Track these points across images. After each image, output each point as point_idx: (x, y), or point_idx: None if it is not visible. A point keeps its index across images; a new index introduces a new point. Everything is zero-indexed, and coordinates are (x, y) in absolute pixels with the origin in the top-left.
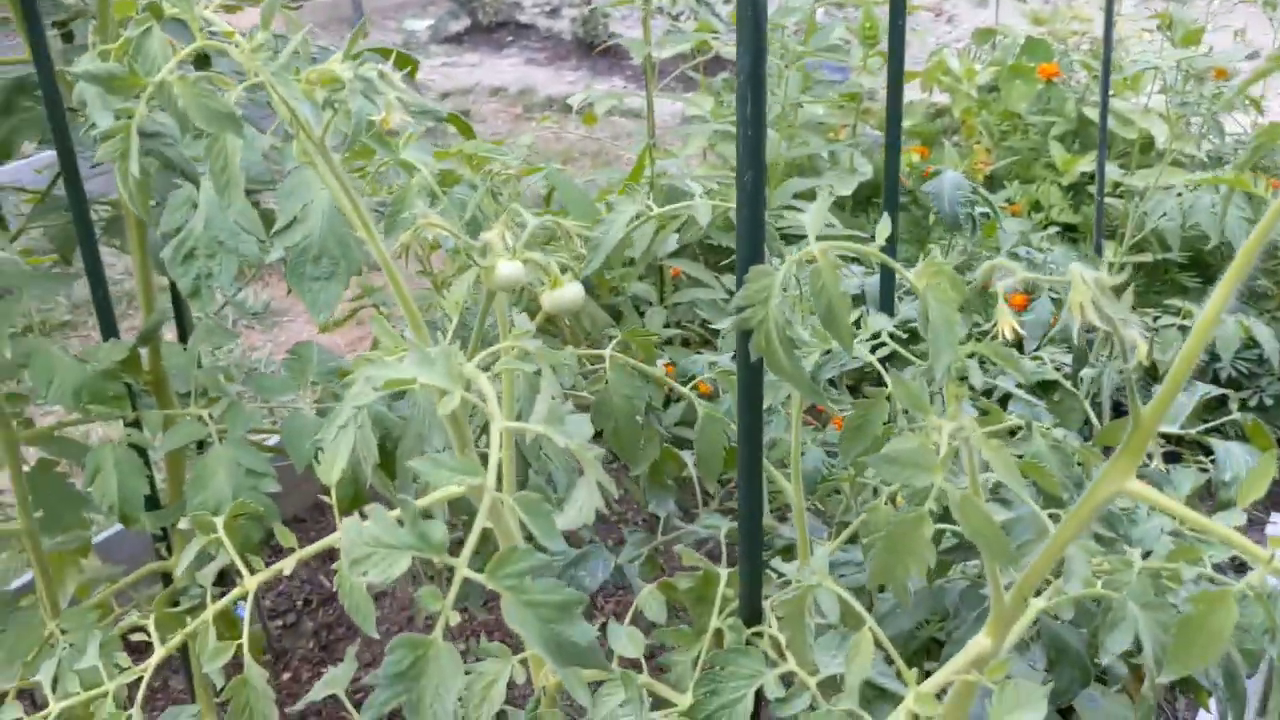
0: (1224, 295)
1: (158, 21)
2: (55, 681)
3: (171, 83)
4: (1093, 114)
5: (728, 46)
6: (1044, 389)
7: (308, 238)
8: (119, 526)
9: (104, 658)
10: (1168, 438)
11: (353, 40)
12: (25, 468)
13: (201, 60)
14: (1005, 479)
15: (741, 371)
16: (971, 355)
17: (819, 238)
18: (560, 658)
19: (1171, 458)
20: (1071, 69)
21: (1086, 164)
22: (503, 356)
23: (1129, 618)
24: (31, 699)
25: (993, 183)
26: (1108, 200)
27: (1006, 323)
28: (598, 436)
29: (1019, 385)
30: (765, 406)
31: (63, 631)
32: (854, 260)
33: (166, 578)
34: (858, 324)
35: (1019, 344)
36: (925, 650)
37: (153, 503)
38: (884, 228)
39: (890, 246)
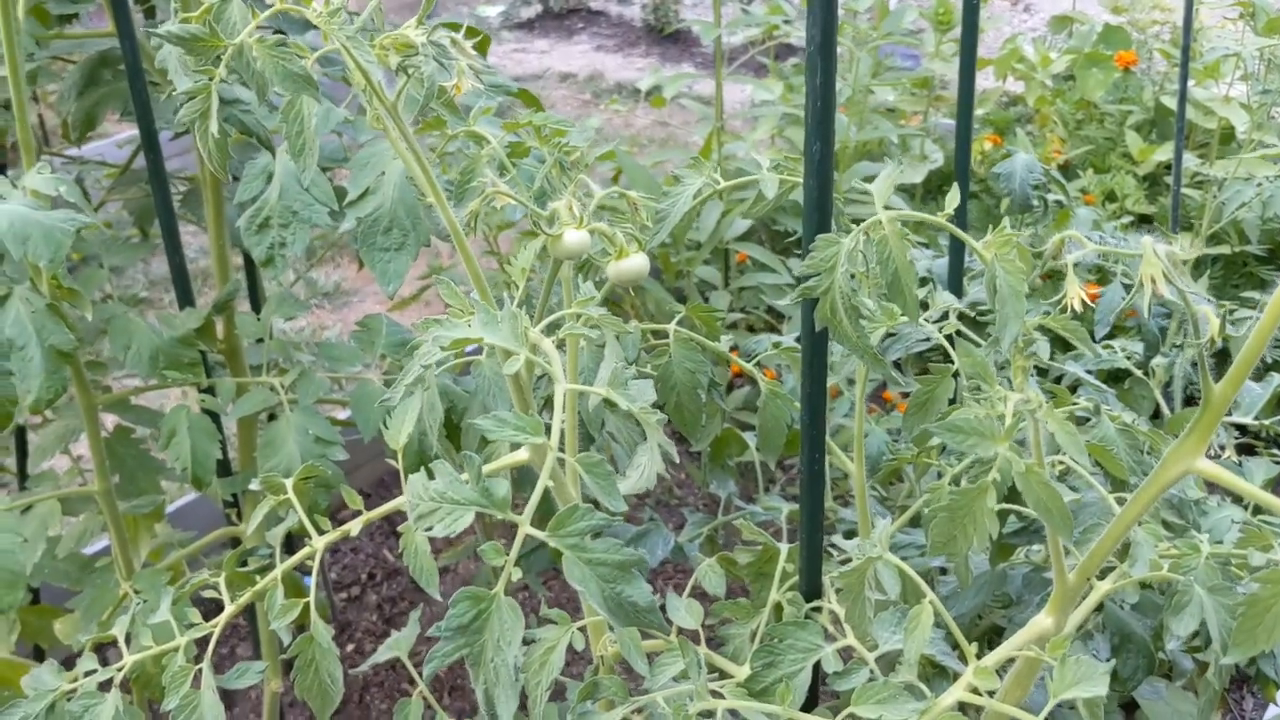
0: None
1: None
2: (129, 638)
3: (251, 44)
4: (1171, 103)
5: (798, 32)
6: (1114, 378)
7: (380, 208)
8: (190, 497)
9: (175, 614)
10: (1242, 429)
11: (425, 6)
12: (103, 434)
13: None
14: (1070, 453)
15: (805, 341)
16: (1039, 329)
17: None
18: (620, 617)
19: (1246, 450)
20: (1150, 57)
21: (1163, 154)
22: (567, 323)
23: (1195, 601)
24: (105, 660)
25: (1067, 172)
26: (1185, 191)
27: (1075, 292)
28: (659, 410)
29: (1089, 372)
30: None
31: (136, 591)
32: (923, 244)
33: (236, 543)
34: (925, 305)
35: (1090, 330)
36: (986, 636)
37: (224, 469)
38: (953, 197)
39: (960, 222)
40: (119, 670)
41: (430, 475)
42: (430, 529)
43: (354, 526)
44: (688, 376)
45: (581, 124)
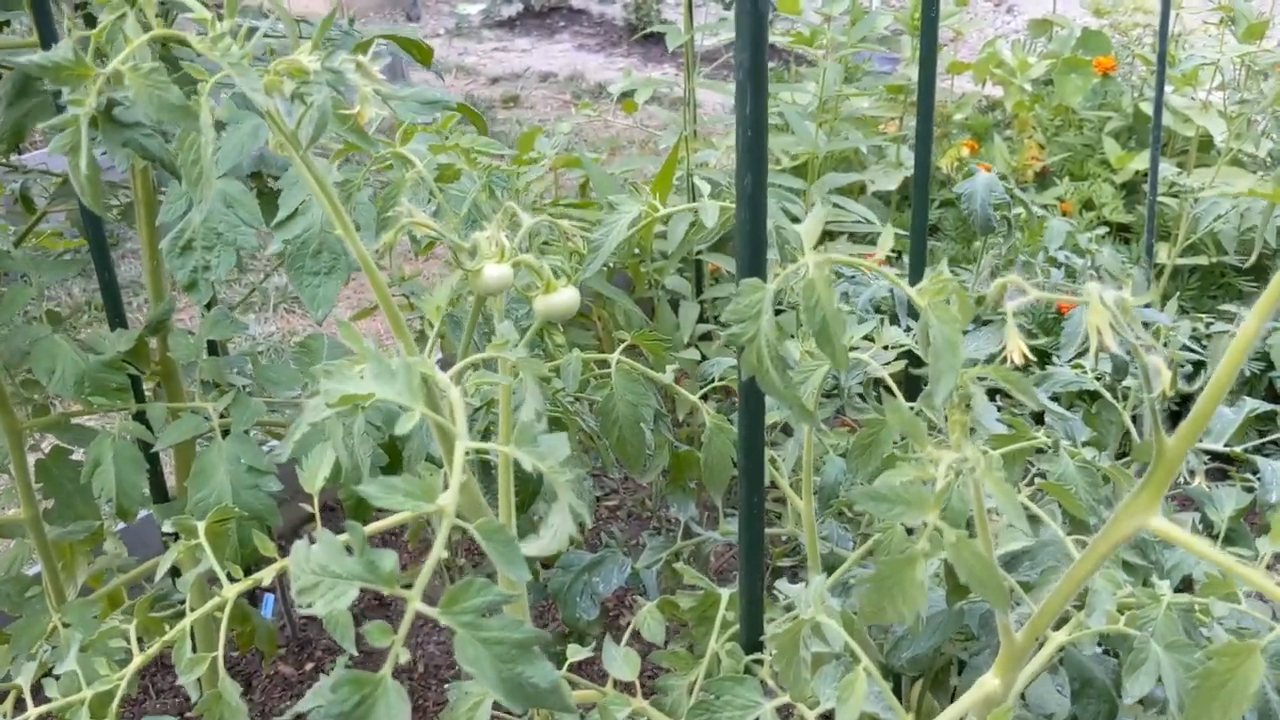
0: (1264, 312)
1: (131, 8)
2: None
3: (124, 72)
4: (1150, 109)
5: (776, 35)
6: (1085, 399)
7: (309, 230)
8: (146, 513)
9: (84, 661)
10: (1214, 455)
11: (321, 28)
12: (41, 456)
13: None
14: (1009, 515)
15: (742, 388)
16: (981, 379)
17: (818, 243)
18: (519, 699)
19: (1219, 475)
20: (1130, 63)
21: (1141, 162)
22: (499, 366)
23: (1151, 659)
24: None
25: (1044, 180)
26: (1162, 200)
27: (1015, 345)
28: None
29: (1054, 396)
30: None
31: (65, 624)
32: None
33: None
34: (870, 339)
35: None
36: (947, 670)
37: (161, 495)
38: (885, 240)
39: (920, 246)
40: None
41: (312, 541)
42: (312, 604)
43: (266, 575)
44: (629, 410)
45: (553, 127)
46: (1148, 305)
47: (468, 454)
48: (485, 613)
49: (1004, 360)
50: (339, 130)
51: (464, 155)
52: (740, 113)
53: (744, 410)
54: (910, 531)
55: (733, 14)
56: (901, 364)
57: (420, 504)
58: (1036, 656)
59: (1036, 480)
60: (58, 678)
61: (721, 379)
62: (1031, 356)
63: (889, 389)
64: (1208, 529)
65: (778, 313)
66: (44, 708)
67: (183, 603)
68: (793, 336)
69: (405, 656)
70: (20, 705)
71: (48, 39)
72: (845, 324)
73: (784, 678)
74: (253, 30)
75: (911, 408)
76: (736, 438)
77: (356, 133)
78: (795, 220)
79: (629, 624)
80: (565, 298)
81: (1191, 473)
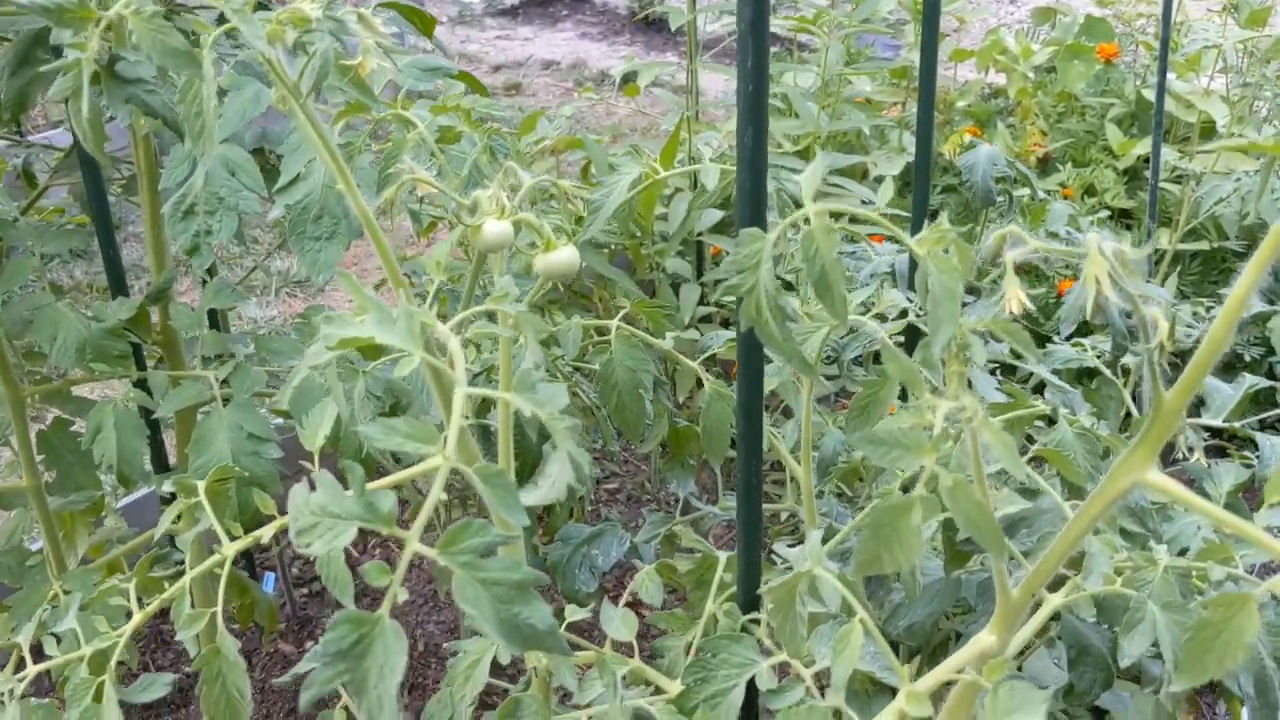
0: (1251, 279)
1: None
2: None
3: (127, 16)
4: (1152, 96)
5: (777, 20)
6: (1085, 376)
7: (310, 195)
8: (146, 490)
9: (83, 620)
10: (1214, 431)
11: None
12: (43, 426)
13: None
14: (1005, 463)
15: (741, 346)
16: (978, 331)
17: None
18: (517, 641)
19: (1218, 452)
20: (1134, 50)
21: (1143, 148)
22: (499, 320)
23: (1148, 619)
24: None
25: (1046, 166)
26: (1164, 185)
27: (1013, 294)
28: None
29: (1056, 371)
30: (774, 386)
31: (66, 591)
32: (891, 239)
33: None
34: (867, 306)
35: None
36: (946, 645)
37: (162, 464)
38: (886, 191)
39: (920, 215)
40: (20, 680)
41: (312, 486)
42: (310, 545)
43: (266, 533)
44: (629, 375)
45: (555, 112)
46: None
47: (466, 416)
48: (485, 553)
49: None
50: (341, 84)
51: (464, 116)
52: (742, 67)
53: (743, 368)
54: (907, 491)
55: (734, 2)
56: (900, 337)
57: (420, 445)
58: (1034, 618)
59: (1035, 448)
60: (57, 639)
61: (717, 351)
62: (1031, 306)
63: (890, 352)
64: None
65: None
66: (44, 665)
67: (181, 563)
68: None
69: (404, 595)
70: (21, 666)
71: None
72: (844, 274)
73: (780, 633)
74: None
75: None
76: (735, 404)
77: (359, 86)
78: (795, 201)
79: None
80: (565, 255)
81: (1190, 449)
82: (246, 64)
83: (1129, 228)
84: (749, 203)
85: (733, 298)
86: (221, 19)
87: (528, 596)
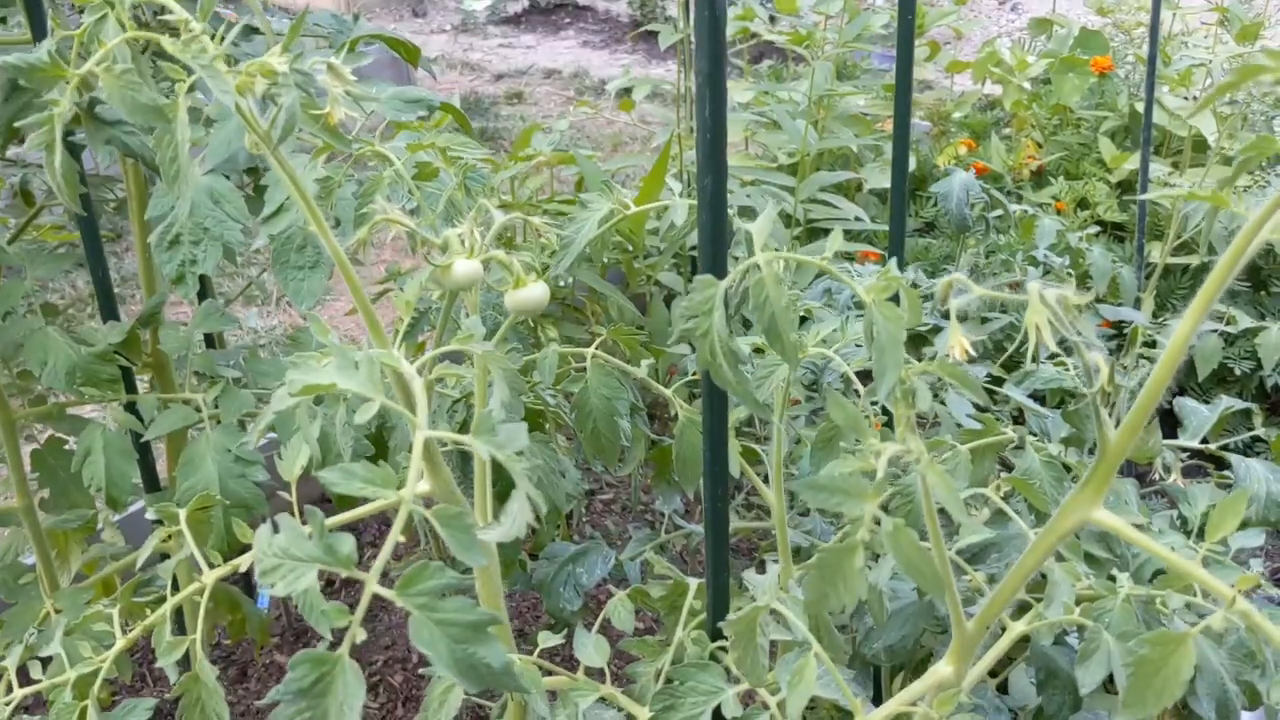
0: (1197, 314)
1: (111, 10)
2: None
3: (98, 74)
4: None
5: (772, 33)
6: (1068, 397)
7: (292, 226)
8: (140, 504)
9: (69, 644)
10: (1195, 453)
11: (293, 31)
12: (37, 446)
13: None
14: (948, 506)
15: (704, 382)
16: (924, 373)
17: (807, 239)
18: (472, 679)
19: (1196, 471)
20: (1130, 64)
21: (1136, 161)
22: (475, 359)
23: (1102, 649)
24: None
25: (1040, 178)
26: (1155, 200)
27: (956, 341)
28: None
29: (1036, 394)
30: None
31: (57, 610)
32: (849, 258)
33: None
34: (825, 342)
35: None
36: (927, 663)
37: (153, 484)
38: (834, 241)
39: (898, 249)
40: (7, 705)
41: (275, 528)
42: (274, 586)
43: (244, 561)
44: (604, 403)
45: (554, 123)
46: (1123, 305)
47: (444, 444)
48: (442, 594)
49: (946, 356)
50: (313, 129)
51: (441, 154)
52: (700, 117)
53: (707, 404)
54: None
55: (732, 12)
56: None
57: (379, 490)
58: (996, 645)
59: (1003, 477)
60: (44, 661)
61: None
62: (973, 352)
63: (853, 385)
64: (1183, 525)
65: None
66: (29, 689)
67: (165, 588)
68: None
69: (362, 636)
70: (10, 688)
71: (39, 36)
72: (795, 320)
73: (740, 664)
74: (247, 29)
75: (874, 401)
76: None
77: (329, 132)
78: (786, 217)
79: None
80: (535, 293)
81: (1168, 469)
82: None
83: (1121, 240)
84: (709, 244)
85: (687, 341)
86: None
87: (483, 636)
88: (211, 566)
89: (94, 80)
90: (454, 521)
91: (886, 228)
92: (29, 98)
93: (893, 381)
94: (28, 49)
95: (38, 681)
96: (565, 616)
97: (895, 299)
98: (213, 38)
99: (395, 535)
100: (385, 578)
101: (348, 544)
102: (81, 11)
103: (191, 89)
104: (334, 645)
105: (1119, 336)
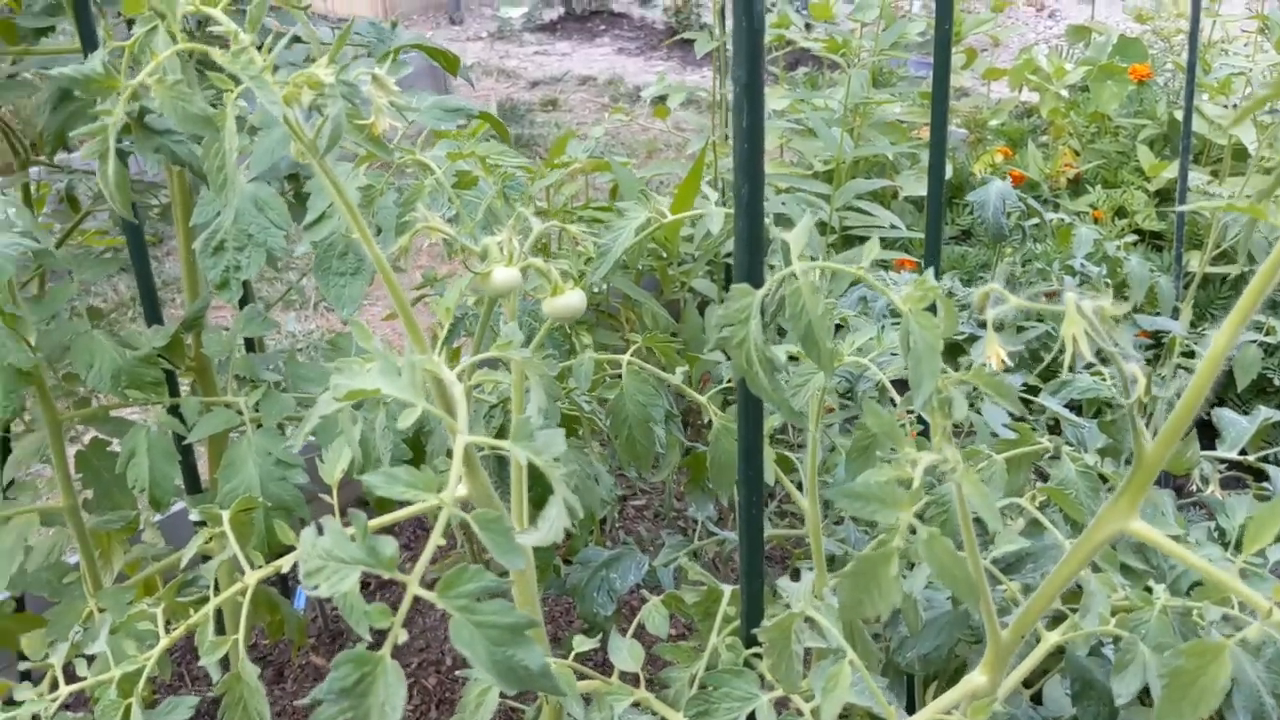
0: (1235, 325)
1: (162, 21)
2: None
3: (150, 85)
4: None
5: (808, 40)
6: (1104, 407)
7: (335, 233)
8: (182, 505)
9: (114, 642)
10: (1233, 464)
11: (338, 42)
12: (81, 447)
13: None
14: (982, 514)
15: (739, 390)
16: (962, 383)
17: (842, 246)
18: (510, 681)
19: (1235, 484)
20: (1169, 72)
21: (1175, 170)
22: (512, 366)
23: (1138, 660)
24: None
25: (1077, 186)
26: (1194, 209)
27: (993, 351)
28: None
29: (1074, 404)
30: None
31: (100, 609)
32: (885, 266)
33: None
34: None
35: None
36: (962, 672)
37: (194, 486)
38: (870, 250)
39: (934, 258)
40: (53, 700)
41: (320, 530)
42: (317, 587)
43: (286, 562)
44: (639, 410)
45: (589, 130)
46: (1164, 314)
47: (480, 449)
48: (480, 597)
49: (982, 365)
50: (357, 139)
51: (480, 162)
52: (737, 126)
53: (742, 411)
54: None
55: (769, 19)
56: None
57: (420, 494)
58: (1032, 655)
59: (1039, 487)
60: (89, 659)
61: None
62: (1009, 362)
63: (889, 394)
64: (1221, 536)
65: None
66: (75, 686)
67: (208, 587)
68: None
69: (404, 637)
70: (54, 685)
71: (89, 46)
72: (831, 329)
73: (775, 671)
74: (286, 38)
75: (910, 411)
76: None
77: (373, 141)
78: (821, 224)
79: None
80: (571, 300)
81: (1205, 480)
82: None
83: (1159, 249)
84: (745, 252)
85: (722, 349)
86: None
87: (521, 639)
88: (254, 567)
89: (144, 90)
90: (493, 525)
91: (922, 235)
92: (77, 106)
93: (929, 390)
94: (75, 58)
95: (82, 679)
96: (599, 621)
97: (932, 308)
98: (259, 48)
99: (436, 538)
100: (422, 580)
101: (390, 546)
102: (130, 24)
103: (236, 98)
104: (373, 647)
105: (1157, 346)
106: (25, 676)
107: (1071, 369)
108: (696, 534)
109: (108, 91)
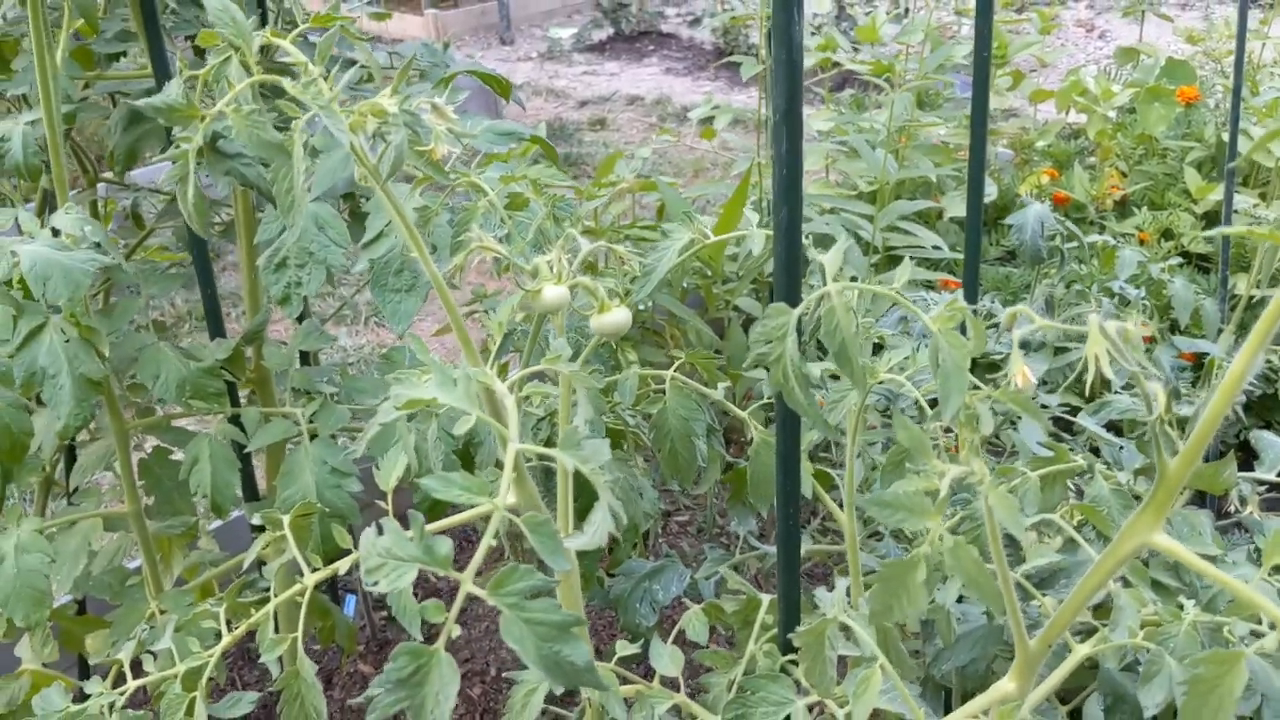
0: (1254, 347)
1: (235, 53)
2: (147, 660)
3: (228, 113)
4: None
5: (854, 63)
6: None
7: (391, 251)
8: (238, 513)
9: (178, 640)
10: (1270, 485)
11: (401, 73)
12: (143, 455)
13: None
14: (1008, 527)
15: (778, 404)
16: (986, 399)
17: (885, 267)
18: (558, 676)
19: (1275, 505)
20: (1218, 93)
21: (1221, 191)
22: (560, 380)
23: (1164, 672)
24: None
25: (1125, 208)
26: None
27: (1019, 370)
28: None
29: (1109, 424)
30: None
31: (162, 611)
32: (929, 287)
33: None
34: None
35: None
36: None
37: (252, 493)
38: (903, 272)
39: (972, 279)
40: (121, 694)
41: (380, 530)
42: (377, 583)
43: (344, 564)
44: (681, 424)
45: (636, 150)
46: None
47: (527, 458)
48: (530, 595)
49: (1009, 383)
50: (417, 163)
51: (532, 185)
52: (777, 151)
53: (781, 426)
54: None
55: (810, 42)
56: None
57: (475, 497)
58: (1061, 666)
59: (1071, 504)
60: (154, 656)
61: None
62: (1034, 380)
63: (922, 410)
64: (1259, 557)
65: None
66: (141, 680)
67: (267, 589)
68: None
69: (457, 631)
70: (119, 680)
71: (160, 72)
72: (865, 347)
73: (809, 675)
74: (350, 63)
75: (947, 429)
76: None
77: (432, 165)
78: (865, 244)
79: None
80: (618, 317)
81: (1244, 501)
82: None
83: (1206, 272)
84: (784, 273)
85: (762, 366)
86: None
87: (569, 636)
88: (313, 570)
89: (220, 117)
90: (542, 528)
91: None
92: (146, 128)
93: (956, 406)
94: (143, 82)
95: (149, 674)
96: (640, 632)
97: (961, 328)
98: (324, 78)
99: (488, 540)
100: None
101: (445, 545)
102: (197, 51)
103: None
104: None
105: (1200, 368)
106: (85, 675)
107: (1105, 388)
108: (738, 548)
109: (188, 119)
